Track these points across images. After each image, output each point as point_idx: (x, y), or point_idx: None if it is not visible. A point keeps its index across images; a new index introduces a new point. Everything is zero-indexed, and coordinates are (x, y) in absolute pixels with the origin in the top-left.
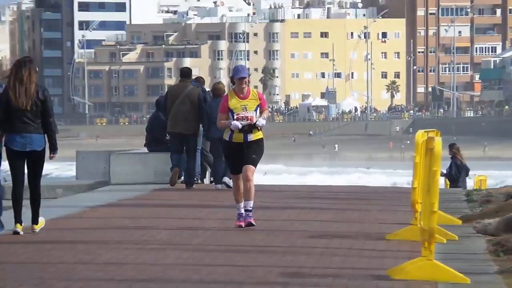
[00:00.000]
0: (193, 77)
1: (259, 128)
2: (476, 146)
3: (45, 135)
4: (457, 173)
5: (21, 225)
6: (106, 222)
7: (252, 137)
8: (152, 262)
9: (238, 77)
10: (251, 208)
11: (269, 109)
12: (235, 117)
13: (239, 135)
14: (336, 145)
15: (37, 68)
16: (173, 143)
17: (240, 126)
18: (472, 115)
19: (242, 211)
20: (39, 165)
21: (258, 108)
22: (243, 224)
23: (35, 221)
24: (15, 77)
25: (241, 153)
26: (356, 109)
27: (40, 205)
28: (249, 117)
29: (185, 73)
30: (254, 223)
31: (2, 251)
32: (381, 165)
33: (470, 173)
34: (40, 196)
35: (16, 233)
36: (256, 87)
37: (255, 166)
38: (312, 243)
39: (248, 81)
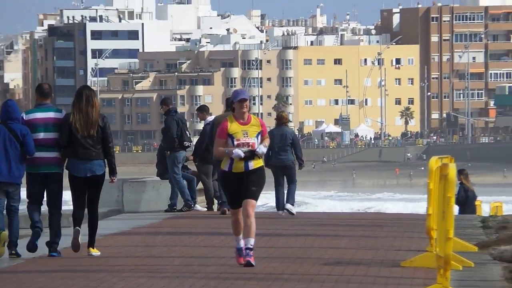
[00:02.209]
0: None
1: (259, 156)
2: (491, 172)
3: (105, 160)
4: (464, 198)
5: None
6: (120, 250)
7: (253, 165)
8: None
9: (238, 99)
10: (252, 246)
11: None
12: (235, 143)
13: (240, 164)
14: (354, 172)
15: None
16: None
17: (242, 154)
18: (487, 141)
19: (242, 245)
20: (98, 189)
21: (260, 135)
22: (243, 261)
23: (91, 244)
24: (80, 105)
25: (241, 184)
26: (370, 138)
27: (97, 229)
28: (251, 143)
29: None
30: (253, 263)
31: (15, 281)
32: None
33: (486, 198)
34: (97, 220)
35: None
36: (269, 114)
37: (256, 200)
38: (327, 270)
39: (249, 107)
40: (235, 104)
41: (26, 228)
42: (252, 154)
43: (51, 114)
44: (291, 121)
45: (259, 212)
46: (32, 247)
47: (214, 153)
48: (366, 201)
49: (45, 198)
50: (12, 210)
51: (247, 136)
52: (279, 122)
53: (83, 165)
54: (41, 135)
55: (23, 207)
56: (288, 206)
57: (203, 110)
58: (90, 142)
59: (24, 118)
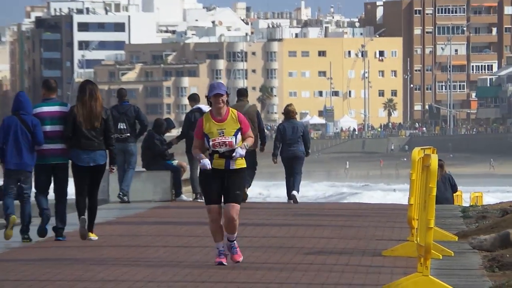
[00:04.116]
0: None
1: (235, 158)
2: (472, 163)
3: (106, 150)
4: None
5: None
6: (105, 240)
7: (234, 164)
8: (149, 279)
9: (212, 94)
10: (234, 239)
11: (267, 127)
12: (210, 143)
13: (220, 161)
14: (347, 163)
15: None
16: None
17: (208, 167)
18: (468, 132)
19: (223, 249)
20: (99, 177)
21: (239, 133)
22: (225, 260)
23: (90, 229)
24: (83, 99)
25: (220, 181)
26: (354, 129)
27: (96, 215)
28: (227, 142)
29: (242, 92)
30: (240, 259)
31: (1, 269)
32: (376, 182)
33: (467, 189)
34: (96, 207)
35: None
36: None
37: (239, 203)
38: (309, 259)
39: (227, 101)
40: (211, 99)
41: (36, 216)
42: (231, 154)
43: (56, 108)
44: (276, 113)
45: (250, 202)
46: (42, 231)
47: (192, 152)
48: (353, 189)
49: (51, 188)
50: (24, 197)
51: (223, 135)
52: (288, 116)
53: (86, 155)
54: (48, 127)
55: (32, 199)
56: (294, 192)
57: (194, 99)
58: (93, 134)
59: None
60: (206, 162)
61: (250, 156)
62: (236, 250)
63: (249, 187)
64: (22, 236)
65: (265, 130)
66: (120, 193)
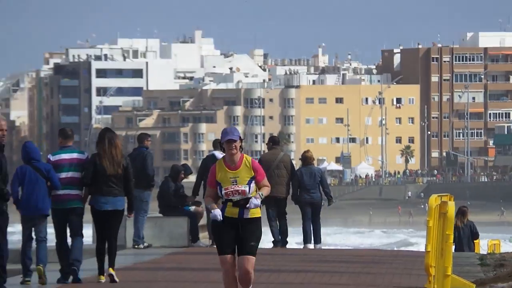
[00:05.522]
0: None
1: (250, 207)
2: (490, 211)
3: (124, 197)
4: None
5: (103, 276)
6: (122, 286)
7: (249, 214)
8: None
9: (225, 139)
10: None
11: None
12: (223, 192)
13: (234, 210)
14: (370, 209)
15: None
16: (268, 207)
17: (219, 218)
18: (486, 179)
19: None
20: (117, 222)
21: (253, 182)
22: None
23: (111, 265)
24: (109, 146)
25: (234, 231)
26: (371, 176)
27: (115, 254)
28: (240, 191)
29: (275, 140)
30: None
31: None
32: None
33: (484, 236)
34: (116, 247)
35: (99, 282)
36: None
37: (255, 255)
38: None
39: (241, 147)
40: (224, 145)
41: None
42: (245, 202)
43: (75, 155)
44: (293, 159)
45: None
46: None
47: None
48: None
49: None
50: (39, 240)
51: (235, 184)
52: (305, 162)
53: (105, 201)
54: (66, 174)
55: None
56: (317, 246)
57: (217, 146)
58: (114, 180)
59: (51, 159)
60: (217, 213)
61: (281, 204)
62: None
63: (286, 236)
64: (39, 278)
65: (268, 188)
66: (134, 243)
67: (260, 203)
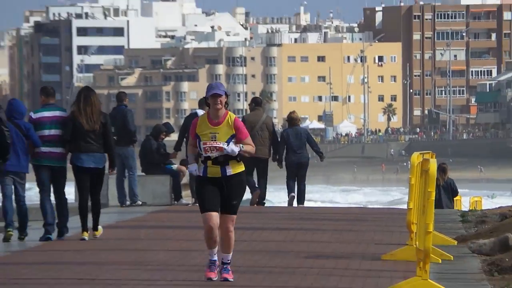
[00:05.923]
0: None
1: (238, 159)
2: (472, 168)
3: (105, 154)
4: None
5: (87, 232)
6: (104, 243)
7: (231, 170)
8: (149, 283)
9: (210, 94)
10: (229, 261)
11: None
12: (201, 146)
13: (215, 169)
14: (355, 167)
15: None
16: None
17: (195, 173)
18: (468, 137)
19: (216, 257)
20: (99, 181)
21: (233, 140)
22: (214, 275)
23: (95, 228)
24: (84, 103)
25: (217, 189)
26: (352, 135)
27: (99, 216)
28: (218, 148)
29: (258, 101)
30: (231, 279)
31: (1, 273)
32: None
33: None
34: (100, 208)
35: (82, 239)
36: None
37: (236, 213)
38: (308, 263)
39: (226, 103)
40: (209, 100)
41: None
42: (225, 160)
43: (57, 113)
44: (275, 117)
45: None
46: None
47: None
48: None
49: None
50: (20, 200)
51: (214, 140)
52: (291, 123)
53: (86, 157)
54: (48, 131)
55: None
56: (300, 204)
57: (203, 104)
58: (92, 137)
59: (33, 116)
60: (194, 167)
61: (263, 165)
62: (229, 271)
63: (264, 196)
64: (19, 235)
65: (251, 147)
66: (131, 201)
67: (237, 151)
